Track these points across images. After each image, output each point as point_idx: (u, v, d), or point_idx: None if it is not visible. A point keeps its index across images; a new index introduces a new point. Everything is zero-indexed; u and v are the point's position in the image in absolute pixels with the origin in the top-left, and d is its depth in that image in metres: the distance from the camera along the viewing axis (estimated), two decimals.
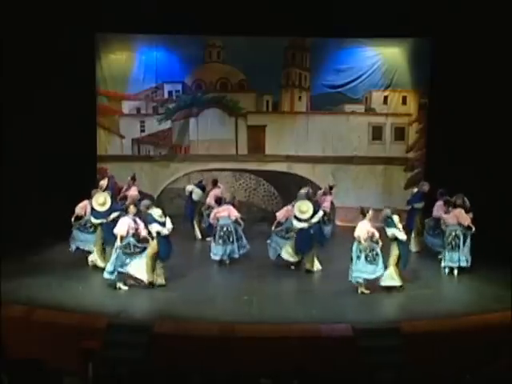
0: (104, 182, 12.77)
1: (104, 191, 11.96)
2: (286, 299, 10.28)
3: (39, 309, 9.40)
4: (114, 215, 11.20)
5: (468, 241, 11.18)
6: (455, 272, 11.28)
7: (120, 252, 10.28)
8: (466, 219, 11.19)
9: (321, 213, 11.46)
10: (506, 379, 7.02)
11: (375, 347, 8.62)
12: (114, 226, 10.86)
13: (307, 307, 9.95)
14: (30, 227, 12.30)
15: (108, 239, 11.17)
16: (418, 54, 14.69)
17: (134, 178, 13.46)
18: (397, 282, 10.38)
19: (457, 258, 11.18)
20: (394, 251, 10.35)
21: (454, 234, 11.21)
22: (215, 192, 13.06)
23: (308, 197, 11.63)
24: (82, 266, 11.43)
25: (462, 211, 11.26)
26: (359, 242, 10.20)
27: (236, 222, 11.78)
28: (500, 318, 9.32)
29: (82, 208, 11.64)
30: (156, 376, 7.56)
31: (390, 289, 10.39)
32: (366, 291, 10.34)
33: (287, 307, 9.89)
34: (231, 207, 11.84)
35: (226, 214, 11.70)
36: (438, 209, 11.81)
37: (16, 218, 12.09)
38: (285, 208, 11.92)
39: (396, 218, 10.44)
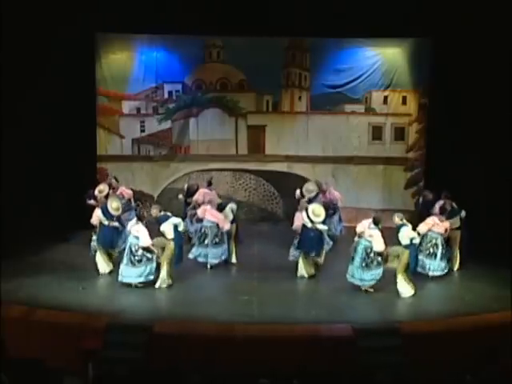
0: (104, 188, 12.61)
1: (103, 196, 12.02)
2: (286, 299, 10.26)
3: (39, 309, 9.41)
4: (115, 224, 11.30)
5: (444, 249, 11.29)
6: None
7: (153, 259, 10.42)
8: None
9: (326, 227, 11.39)
10: (506, 379, 7.02)
11: (375, 347, 8.62)
12: (110, 232, 11.10)
13: (307, 307, 9.96)
14: (30, 227, 12.30)
15: (102, 242, 11.23)
16: (418, 53, 14.67)
17: (116, 179, 13.26)
18: (411, 291, 10.38)
19: (429, 266, 11.18)
20: (404, 259, 10.32)
21: (433, 241, 11.23)
22: (205, 191, 12.84)
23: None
24: (82, 266, 11.43)
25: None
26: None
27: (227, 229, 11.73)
28: (500, 317, 9.33)
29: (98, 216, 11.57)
30: (156, 376, 7.55)
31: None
32: (370, 290, 10.36)
33: (287, 307, 9.89)
34: (223, 219, 11.65)
35: (215, 220, 11.57)
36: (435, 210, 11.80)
37: (16, 217, 12.09)
38: (296, 216, 11.64)
39: (409, 226, 10.54)
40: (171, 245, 10.49)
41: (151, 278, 10.42)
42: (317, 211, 11.17)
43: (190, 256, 11.57)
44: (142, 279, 10.39)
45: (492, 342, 8.10)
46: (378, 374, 7.75)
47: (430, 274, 11.20)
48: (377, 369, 8.16)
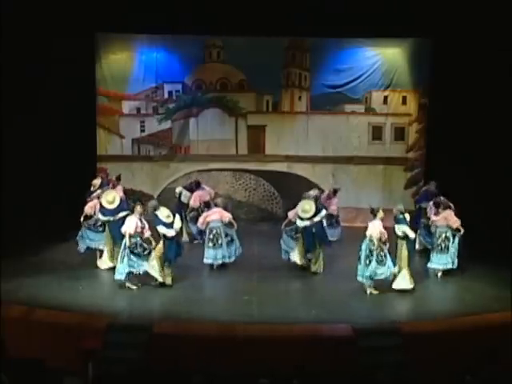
0: (97, 181, 12.66)
1: (97, 190, 11.98)
2: (286, 299, 10.26)
3: (39, 309, 9.40)
4: (122, 214, 11.20)
5: (456, 243, 11.16)
6: (439, 274, 11.25)
7: (128, 251, 10.25)
8: (456, 221, 11.14)
9: (324, 212, 11.34)
10: (506, 379, 7.03)
11: (375, 347, 8.61)
12: (121, 225, 10.83)
13: (307, 307, 9.95)
14: (30, 227, 12.30)
15: (115, 238, 11.18)
16: (418, 53, 14.68)
17: (118, 178, 13.10)
18: (410, 285, 10.37)
19: (444, 260, 11.15)
20: (404, 252, 10.32)
21: (443, 235, 11.16)
22: (199, 194, 12.91)
23: (315, 198, 11.57)
24: (82, 266, 11.43)
25: (452, 213, 11.21)
26: (371, 240, 10.11)
27: (229, 223, 11.61)
28: (500, 318, 9.33)
29: (91, 207, 11.57)
30: (156, 376, 7.55)
31: (401, 291, 10.35)
32: (375, 292, 10.33)
33: (287, 307, 9.87)
34: (222, 210, 11.59)
35: (217, 216, 11.49)
36: (430, 209, 11.79)
37: (16, 217, 12.09)
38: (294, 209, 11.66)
39: (407, 216, 10.47)
40: (159, 246, 10.43)
41: (143, 268, 10.36)
42: (305, 207, 11.14)
43: (207, 261, 11.47)
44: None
45: (492, 342, 8.11)
46: (378, 373, 7.76)
47: (447, 268, 11.15)
48: (377, 369, 8.15)
